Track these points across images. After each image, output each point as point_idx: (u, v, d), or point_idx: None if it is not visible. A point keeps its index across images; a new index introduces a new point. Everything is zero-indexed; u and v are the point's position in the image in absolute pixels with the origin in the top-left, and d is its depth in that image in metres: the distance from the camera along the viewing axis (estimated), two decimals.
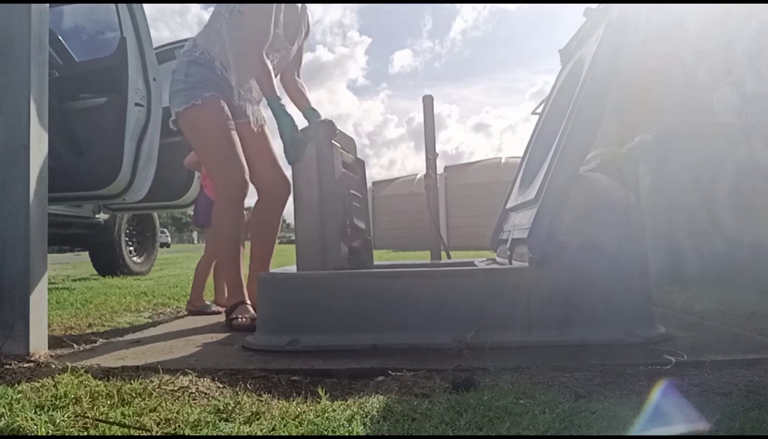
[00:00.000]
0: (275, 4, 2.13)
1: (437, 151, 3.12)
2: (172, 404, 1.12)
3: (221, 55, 2.16)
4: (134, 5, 3.17)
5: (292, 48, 2.32)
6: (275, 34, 2.16)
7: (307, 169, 2.02)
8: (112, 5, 3.19)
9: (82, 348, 1.79)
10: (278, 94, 2.08)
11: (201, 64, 2.14)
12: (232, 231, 2.18)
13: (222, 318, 2.36)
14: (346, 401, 1.13)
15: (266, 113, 2.40)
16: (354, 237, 2.04)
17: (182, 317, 2.61)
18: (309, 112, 2.29)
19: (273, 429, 0.97)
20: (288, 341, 1.64)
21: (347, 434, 0.94)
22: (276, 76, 2.21)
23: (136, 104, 3.09)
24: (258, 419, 1.03)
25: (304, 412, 1.05)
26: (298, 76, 2.43)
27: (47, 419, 1.01)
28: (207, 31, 2.21)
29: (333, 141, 2.03)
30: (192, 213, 3.31)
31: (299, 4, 2.30)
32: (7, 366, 1.47)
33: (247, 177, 2.16)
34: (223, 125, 2.13)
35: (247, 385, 1.27)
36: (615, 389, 1.18)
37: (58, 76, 3.42)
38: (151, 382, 1.26)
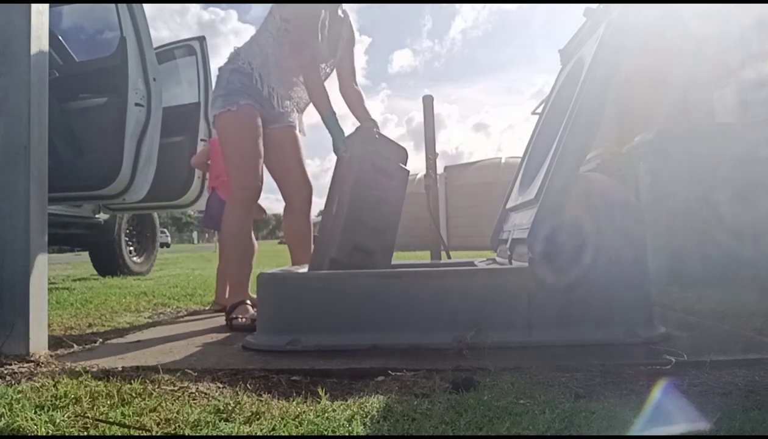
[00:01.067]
0: (320, 14, 2.21)
1: (437, 151, 3.12)
2: (172, 404, 1.12)
3: (261, 68, 2.26)
4: (134, 5, 3.17)
5: (335, 59, 2.40)
6: (321, 46, 2.26)
7: (337, 175, 2.11)
8: (112, 5, 3.20)
9: (82, 348, 1.79)
10: (332, 109, 2.18)
11: (242, 73, 2.25)
12: (239, 231, 2.25)
13: (222, 318, 2.36)
14: (346, 401, 1.13)
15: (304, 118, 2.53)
16: (366, 238, 2.06)
17: (182, 317, 2.61)
18: (365, 121, 2.34)
19: (273, 429, 0.97)
20: (288, 341, 1.64)
21: (347, 434, 0.94)
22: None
23: (136, 104, 3.09)
24: (258, 419, 1.03)
25: (304, 412, 1.05)
26: (356, 83, 2.51)
27: (47, 419, 1.01)
28: (251, 44, 2.32)
29: (369, 146, 2.09)
30: (192, 213, 3.32)
31: (340, 11, 2.37)
32: (7, 366, 1.47)
33: (260, 182, 2.25)
34: (251, 132, 2.22)
35: (247, 385, 1.27)
36: (615, 389, 1.18)
37: (58, 76, 3.42)
38: (151, 382, 1.26)
